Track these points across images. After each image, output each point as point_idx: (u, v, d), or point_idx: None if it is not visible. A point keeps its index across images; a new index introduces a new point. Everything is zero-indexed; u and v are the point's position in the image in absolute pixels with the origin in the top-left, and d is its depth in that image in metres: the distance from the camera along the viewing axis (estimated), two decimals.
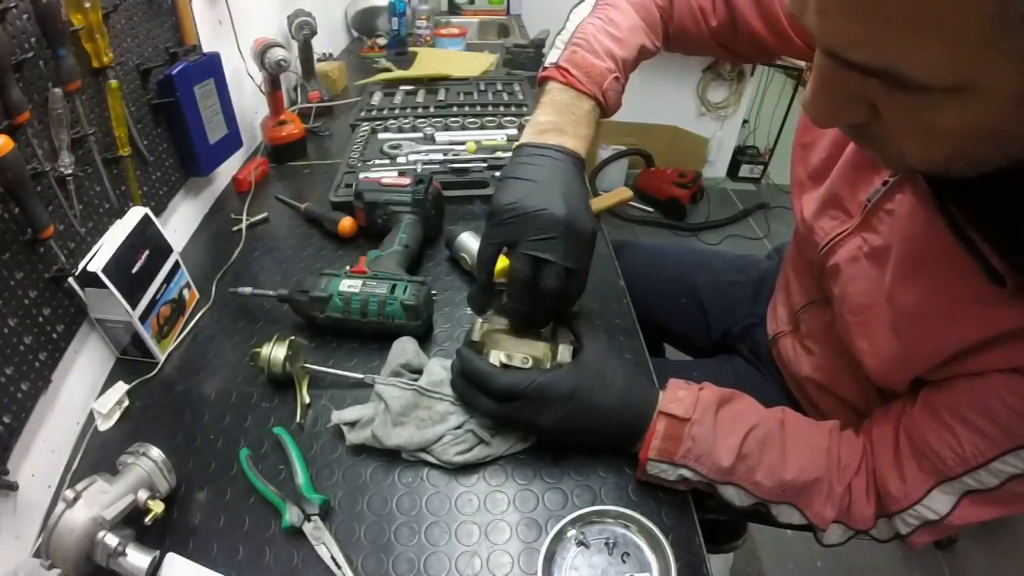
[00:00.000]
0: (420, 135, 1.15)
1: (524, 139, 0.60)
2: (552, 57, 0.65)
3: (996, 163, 0.36)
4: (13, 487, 0.54)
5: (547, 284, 0.54)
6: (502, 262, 0.68)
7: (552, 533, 0.50)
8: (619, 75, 0.63)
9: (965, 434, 0.47)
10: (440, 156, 1.06)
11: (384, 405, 0.60)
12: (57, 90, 0.60)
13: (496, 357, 0.58)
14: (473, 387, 0.58)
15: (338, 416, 0.61)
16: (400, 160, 1.05)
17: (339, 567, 0.51)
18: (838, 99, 0.37)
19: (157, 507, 0.51)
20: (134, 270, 0.67)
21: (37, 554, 0.49)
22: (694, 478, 0.54)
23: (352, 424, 0.60)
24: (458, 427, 0.59)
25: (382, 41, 1.78)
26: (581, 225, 0.55)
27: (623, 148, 2.87)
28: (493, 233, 0.56)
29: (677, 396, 0.57)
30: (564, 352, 0.59)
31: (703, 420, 0.55)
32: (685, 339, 1.02)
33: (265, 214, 0.97)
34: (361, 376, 0.65)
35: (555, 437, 0.59)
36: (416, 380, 0.62)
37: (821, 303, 0.71)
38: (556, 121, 0.60)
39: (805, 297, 0.74)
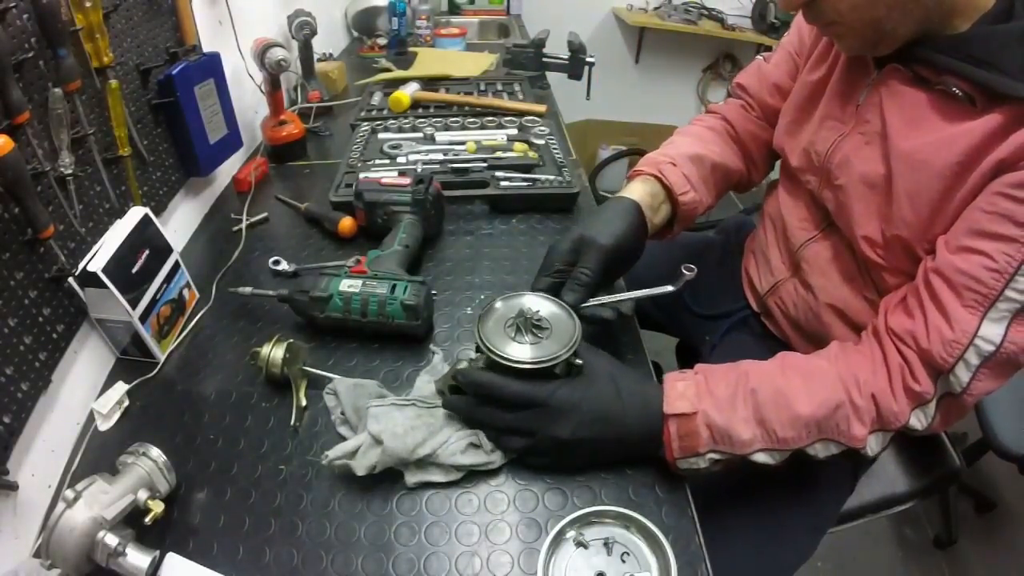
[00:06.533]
0: (420, 135, 1.15)
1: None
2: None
3: (912, 12, 0.54)
4: (13, 487, 0.54)
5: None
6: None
7: (552, 533, 0.50)
8: (676, 163, 0.78)
9: (990, 245, 0.51)
10: (440, 156, 1.06)
11: (382, 427, 0.57)
12: (57, 90, 0.60)
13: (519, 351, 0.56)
14: (481, 402, 0.57)
15: (337, 451, 0.57)
16: (400, 160, 1.05)
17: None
18: None
19: (157, 507, 0.51)
20: (134, 270, 0.67)
21: (37, 554, 0.49)
22: (724, 458, 0.56)
23: (353, 453, 0.57)
24: (461, 429, 0.59)
25: (382, 41, 1.78)
26: (592, 238, 0.66)
27: (623, 148, 2.87)
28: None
29: (678, 391, 0.57)
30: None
31: (710, 407, 0.55)
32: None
33: (265, 214, 0.97)
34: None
35: (579, 452, 0.57)
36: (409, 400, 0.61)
37: (821, 238, 0.76)
38: (628, 187, 0.77)
39: (806, 233, 0.78)
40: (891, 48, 0.59)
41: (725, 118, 0.91)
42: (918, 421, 0.56)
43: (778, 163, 0.88)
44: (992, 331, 0.51)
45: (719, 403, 0.56)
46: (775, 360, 0.61)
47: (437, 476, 0.57)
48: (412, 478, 0.57)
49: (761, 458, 0.56)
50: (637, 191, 0.74)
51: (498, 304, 0.61)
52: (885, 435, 0.57)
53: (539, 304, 0.60)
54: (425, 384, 0.64)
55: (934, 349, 0.53)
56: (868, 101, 0.65)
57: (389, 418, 0.58)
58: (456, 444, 0.58)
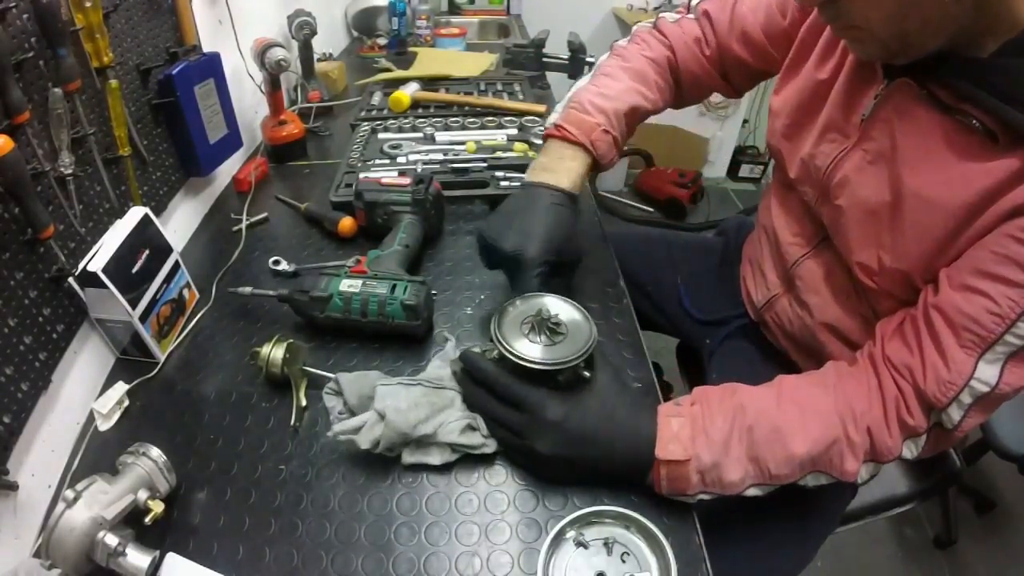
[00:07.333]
0: (420, 135, 1.15)
1: (525, 177, 0.73)
2: (552, 119, 0.76)
3: (945, 27, 0.49)
4: (13, 487, 0.54)
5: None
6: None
7: (552, 533, 0.50)
8: (608, 129, 0.73)
9: (995, 289, 0.50)
10: (440, 156, 1.06)
11: (387, 404, 0.58)
12: (57, 90, 0.60)
13: (529, 348, 0.56)
14: (478, 387, 0.58)
15: (341, 427, 0.58)
16: (400, 160, 1.05)
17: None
18: None
19: (157, 507, 0.51)
20: (134, 270, 0.67)
21: (37, 554, 0.49)
22: (712, 497, 0.55)
23: (358, 430, 0.58)
24: (463, 411, 0.59)
25: (382, 41, 1.78)
26: (507, 247, 0.65)
27: (623, 148, 2.87)
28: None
29: (672, 431, 0.55)
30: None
31: (703, 449, 0.54)
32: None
33: (265, 214, 0.97)
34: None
35: (555, 468, 0.57)
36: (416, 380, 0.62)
37: (815, 255, 0.74)
38: (546, 162, 0.73)
39: (800, 249, 0.76)
40: (909, 59, 0.55)
41: (672, 48, 0.84)
42: (908, 452, 0.56)
43: (770, 168, 0.87)
44: (987, 373, 0.51)
45: (713, 445, 0.54)
46: (772, 389, 0.59)
47: (434, 458, 0.58)
48: (410, 458, 0.58)
49: (752, 492, 0.56)
50: (568, 174, 0.71)
51: (519, 301, 0.61)
52: (876, 465, 0.57)
53: (559, 307, 0.60)
54: (436, 368, 0.64)
55: (929, 389, 0.53)
56: (876, 116, 0.61)
57: (395, 395, 0.58)
58: (455, 424, 0.58)
